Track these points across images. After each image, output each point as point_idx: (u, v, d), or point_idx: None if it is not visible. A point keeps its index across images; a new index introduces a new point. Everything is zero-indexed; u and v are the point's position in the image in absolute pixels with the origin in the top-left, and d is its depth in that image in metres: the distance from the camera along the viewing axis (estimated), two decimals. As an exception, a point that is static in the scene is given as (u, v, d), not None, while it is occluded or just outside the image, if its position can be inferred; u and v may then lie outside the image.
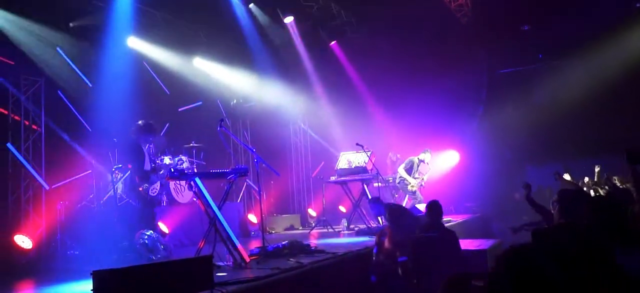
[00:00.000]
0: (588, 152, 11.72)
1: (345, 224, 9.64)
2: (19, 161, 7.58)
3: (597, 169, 9.45)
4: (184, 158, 8.47)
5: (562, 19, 11.79)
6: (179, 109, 10.17)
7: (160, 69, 9.88)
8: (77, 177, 8.02)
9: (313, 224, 10.86)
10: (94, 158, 8.12)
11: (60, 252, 7.06)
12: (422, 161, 10.26)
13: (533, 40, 13.30)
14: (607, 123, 12.39)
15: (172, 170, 5.74)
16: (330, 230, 9.54)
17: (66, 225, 7.30)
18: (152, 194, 6.82)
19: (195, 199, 6.83)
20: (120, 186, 7.59)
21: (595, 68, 12.14)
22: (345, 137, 12.42)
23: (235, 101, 11.65)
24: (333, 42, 12.75)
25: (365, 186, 9.61)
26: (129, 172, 6.92)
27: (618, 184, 8.19)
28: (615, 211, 3.38)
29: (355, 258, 5.93)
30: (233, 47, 10.96)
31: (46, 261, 6.94)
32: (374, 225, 8.66)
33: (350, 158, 10.06)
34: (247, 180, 10.99)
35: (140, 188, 6.58)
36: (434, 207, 5.59)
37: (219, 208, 5.56)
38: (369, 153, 9.58)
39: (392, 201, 9.82)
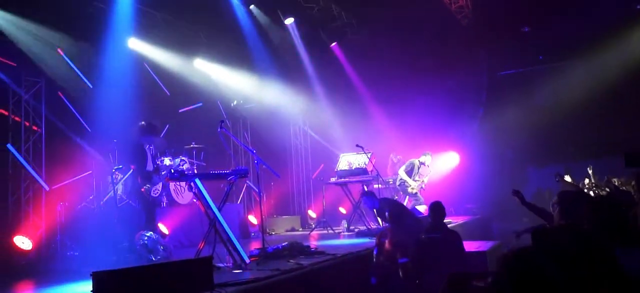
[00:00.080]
0: (589, 153, 11.69)
1: (346, 225, 9.63)
2: (19, 162, 7.57)
3: (590, 171, 9.40)
4: (185, 159, 8.48)
5: (563, 20, 11.78)
6: (180, 110, 10.16)
7: (160, 70, 9.88)
8: (77, 178, 8.02)
9: (313, 225, 10.86)
10: (94, 159, 8.13)
11: (60, 253, 7.05)
12: (423, 164, 10.26)
13: (533, 41, 13.30)
14: (607, 124, 12.38)
15: (172, 171, 5.74)
16: (331, 231, 9.54)
17: (66, 226, 7.30)
18: (154, 195, 6.82)
19: (195, 200, 6.85)
20: (120, 187, 7.59)
21: (596, 69, 12.13)
22: (345, 138, 12.41)
23: (235, 102, 11.64)
24: (333, 44, 12.74)
25: (365, 187, 9.60)
26: (131, 172, 6.92)
27: (618, 185, 8.18)
28: (615, 212, 3.38)
29: (356, 259, 5.92)
30: (233, 48, 10.96)
31: (46, 262, 6.93)
32: (374, 227, 8.66)
33: (350, 160, 10.07)
34: (247, 181, 10.98)
35: (143, 189, 6.59)
36: (437, 208, 5.59)
37: (219, 210, 5.56)
38: (369, 155, 9.58)
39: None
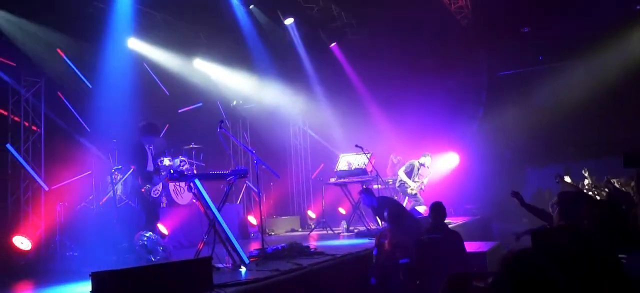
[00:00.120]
0: (589, 153, 11.68)
1: (345, 226, 9.63)
2: (18, 162, 7.56)
3: (585, 173, 9.36)
4: (184, 159, 8.47)
5: (563, 20, 11.77)
6: (179, 110, 10.16)
7: (160, 70, 9.88)
8: (76, 178, 8.01)
9: (313, 226, 10.85)
10: (93, 159, 8.12)
11: (60, 254, 7.04)
12: (423, 165, 10.26)
13: (533, 41, 13.28)
14: (607, 124, 12.36)
15: (172, 171, 5.73)
16: (330, 231, 9.54)
17: (65, 227, 7.29)
18: (154, 195, 6.82)
19: (194, 201, 6.84)
20: (119, 187, 7.58)
21: (596, 69, 12.12)
22: (345, 138, 12.41)
23: (235, 102, 11.64)
24: (333, 44, 12.74)
25: (363, 185, 9.59)
26: (131, 172, 6.91)
27: (618, 186, 8.17)
28: (615, 213, 3.38)
29: (355, 260, 5.93)
30: (233, 48, 10.95)
31: (45, 262, 6.92)
32: (374, 227, 8.66)
33: (350, 160, 10.07)
34: (247, 181, 10.98)
35: (143, 189, 6.58)
36: (438, 209, 5.59)
37: (219, 210, 5.56)
38: (368, 155, 9.57)
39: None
